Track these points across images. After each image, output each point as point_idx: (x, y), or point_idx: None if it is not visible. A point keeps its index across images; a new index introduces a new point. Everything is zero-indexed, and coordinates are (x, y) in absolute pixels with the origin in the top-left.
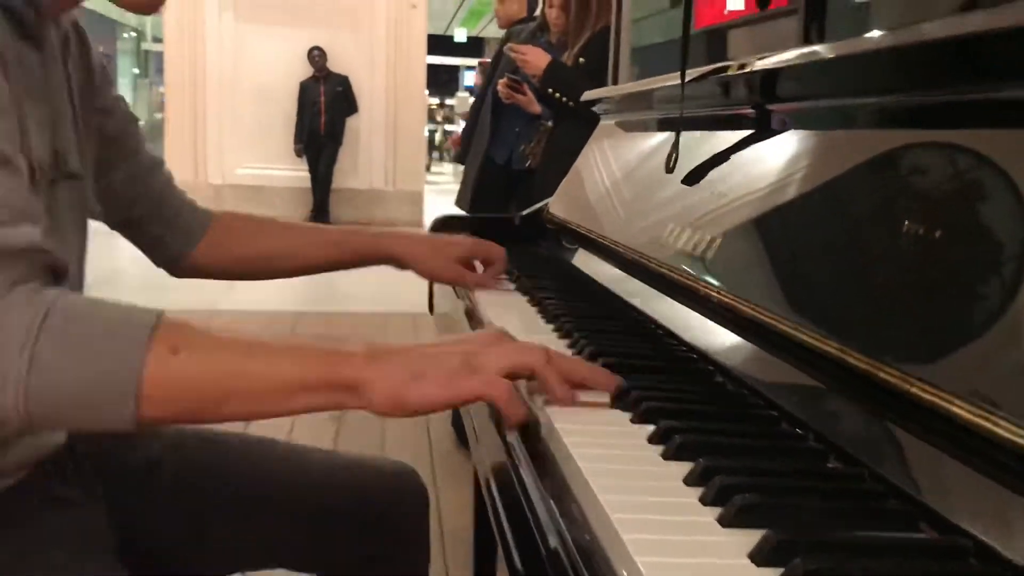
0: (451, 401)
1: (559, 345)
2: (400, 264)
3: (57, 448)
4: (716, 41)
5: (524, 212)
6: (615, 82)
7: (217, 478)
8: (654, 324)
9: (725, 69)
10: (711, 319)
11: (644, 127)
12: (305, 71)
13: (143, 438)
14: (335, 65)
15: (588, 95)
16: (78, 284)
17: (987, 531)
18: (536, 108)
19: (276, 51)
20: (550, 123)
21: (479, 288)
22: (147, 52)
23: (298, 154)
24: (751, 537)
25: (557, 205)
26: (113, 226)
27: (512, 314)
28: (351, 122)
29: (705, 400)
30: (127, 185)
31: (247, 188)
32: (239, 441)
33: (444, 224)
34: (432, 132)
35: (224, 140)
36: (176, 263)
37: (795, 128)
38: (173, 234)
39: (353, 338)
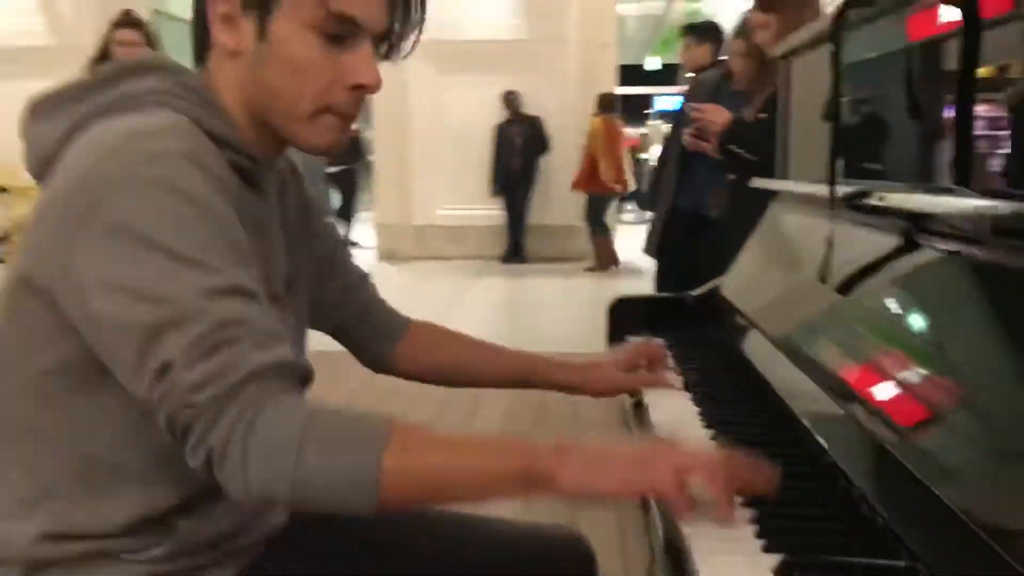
0: (625, 493)
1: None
2: (572, 391)
3: (281, 528)
4: (930, 55)
5: (696, 292)
6: (784, 155)
7: (402, 547)
8: (805, 431)
9: (868, 195)
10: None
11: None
12: (500, 114)
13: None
14: (529, 107)
15: (756, 183)
16: None
17: None
18: None
19: (473, 97)
20: (733, 176)
21: (647, 388)
22: None
23: (494, 194)
24: None
25: (729, 286)
26: (325, 332)
27: (674, 414)
28: (544, 161)
29: (839, 529)
30: (338, 296)
31: (447, 228)
32: (420, 514)
33: (621, 304)
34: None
35: (427, 183)
36: (378, 363)
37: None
38: (375, 339)
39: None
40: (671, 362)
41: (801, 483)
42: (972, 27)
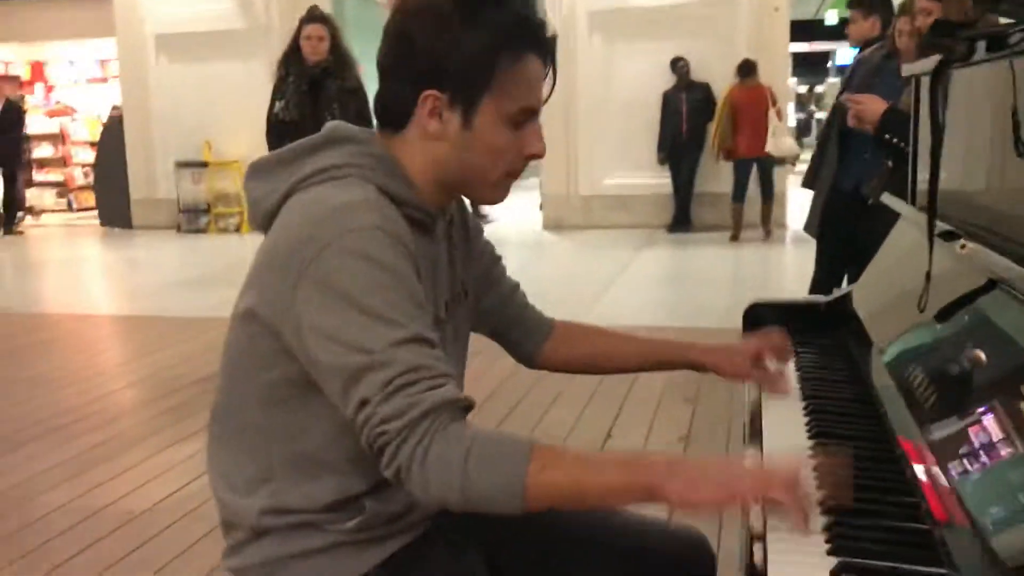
0: (719, 503)
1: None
2: (701, 369)
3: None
4: None
5: (829, 299)
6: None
7: (549, 530)
8: (898, 451)
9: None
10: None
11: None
12: (668, 82)
13: None
14: (697, 73)
15: (885, 199)
16: (461, 383)
17: None
18: None
19: (641, 65)
20: (890, 163)
21: (769, 390)
22: None
23: (661, 162)
24: None
25: (859, 294)
26: (484, 334)
27: (783, 422)
28: (712, 127)
29: (907, 557)
30: (495, 304)
31: (613, 198)
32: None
33: (754, 310)
34: (801, 120)
35: (594, 153)
36: (529, 359)
37: None
38: (527, 339)
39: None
40: (793, 364)
41: (880, 496)
42: None
